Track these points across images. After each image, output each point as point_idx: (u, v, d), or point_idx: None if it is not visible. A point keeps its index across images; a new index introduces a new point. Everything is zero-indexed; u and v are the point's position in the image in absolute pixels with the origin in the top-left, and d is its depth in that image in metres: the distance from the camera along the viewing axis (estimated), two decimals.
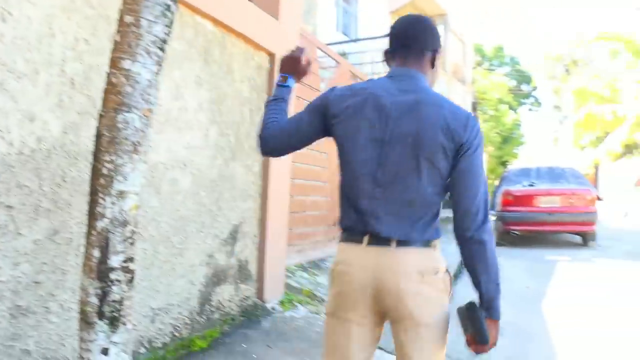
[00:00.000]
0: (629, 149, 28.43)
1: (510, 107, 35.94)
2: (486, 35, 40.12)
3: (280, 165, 4.21)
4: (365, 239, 1.68)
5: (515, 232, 10.69)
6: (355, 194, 1.73)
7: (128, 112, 1.50)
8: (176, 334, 3.15)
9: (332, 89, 1.83)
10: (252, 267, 3.96)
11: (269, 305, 4.01)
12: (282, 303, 4.14)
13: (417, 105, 1.68)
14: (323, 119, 1.80)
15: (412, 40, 1.81)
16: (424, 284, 1.66)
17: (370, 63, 11.94)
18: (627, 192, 20.35)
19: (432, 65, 1.83)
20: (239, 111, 3.71)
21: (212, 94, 3.38)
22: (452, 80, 17.36)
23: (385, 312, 1.70)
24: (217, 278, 3.53)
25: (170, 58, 2.97)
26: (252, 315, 3.82)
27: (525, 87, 44.01)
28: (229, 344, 3.31)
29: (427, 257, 1.69)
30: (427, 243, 1.70)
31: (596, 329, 4.60)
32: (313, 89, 6.20)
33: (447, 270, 1.74)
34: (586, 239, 10.39)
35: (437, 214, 1.75)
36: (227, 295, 3.65)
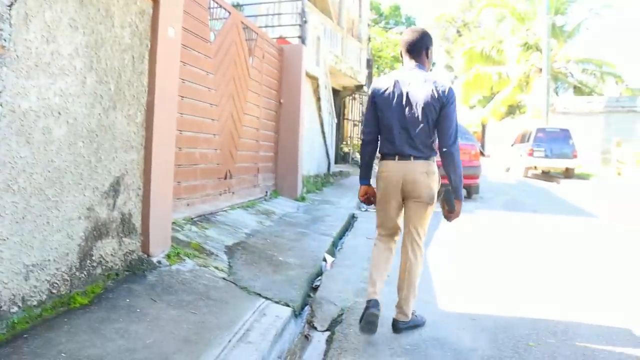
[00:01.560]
0: (512, 109, 30.19)
1: None
2: None
3: (165, 116, 4.07)
4: (396, 157, 3.27)
5: None
6: (390, 134, 3.29)
7: None
8: (54, 291, 3.01)
9: (373, 85, 3.44)
10: (137, 221, 3.84)
11: (154, 259, 3.93)
12: (168, 257, 4.07)
13: (420, 83, 3.22)
14: (374, 103, 3.37)
15: (413, 45, 3.33)
16: (427, 179, 3.24)
17: (266, 15, 11.72)
18: (509, 149, 21.67)
19: (427, 57, 3.37)
20: (119, 58, 3.52)
21: (89, 39, 3.18)
22: (347, 37, 17.43)
23: (405, 194, 3.30)
24: (98, 232, 3.39)
25: None
26: (137, 269, 3.73)
27: None
28: (112, 299, 3.22)
29: (429, 165, 3.27)
30: (428, 157, 3.26)
31: (471, 271, 4.93)
32: (203, 39, 6.02)
33: (437, 173, 3.31)
34: (470, 192, 11.01)
35: (432, 142, 3.27)
36: (109, 250, 3.53)
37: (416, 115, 3.19)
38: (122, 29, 3.52)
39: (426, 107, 3.16)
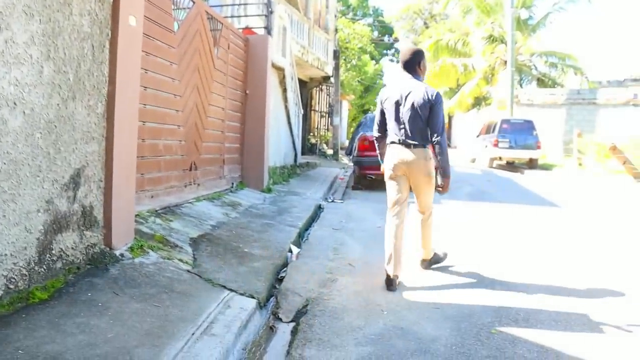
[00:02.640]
0: (478, 100, 30.53)
1: (372, 58, 36.93)
2: None
3: (127, 106, 4.00)
4: (400, 143, 4.29)
5: (372, 176, 11.12)
6: (394, 129, 4.34)
7: None
8: (11, 286, 2.93)
9: (380, 94, 4.57)
10: (98, 213, 3.77)
11: (117, 252, 3.87)
12: (132, 249, 4.01)
13: (414, 90, 4.25)
14: (382, 107, 4.47)
15: (409, 61, 4.38)
16: (425, 162, 4.24)
17: (231, 5, 11.59)
18: (475, 140, 21.96)
19: (420, 68, 4.41)
20: (78, 47, 3.43)
21: (46, 27, 3.10)
22: (314, 28, 17.37)
23: (408, 174, 4.32)
24: (58, 225, 3.32)
25: None
26: (99, 262, 3.66)
27: (387, 39, 45.39)
28: (72, 294, 3.16)
29: (425, 151, 4.26)
30: (424, 145, 4.25)
31: (436, 265, 4.97)
32: (166, 29, 5.93)
33: (432, 158, 4.29)
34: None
35: (426, 133, 4.23)
36: (70, 243, 3.46)
37: (412, 114, 4.23)
38: (81, 17, 3.44)
39: (420, 107, 4.20)
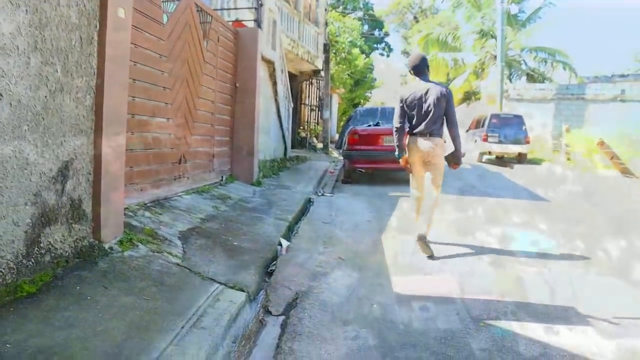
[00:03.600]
0: (468, 95, 30.55)
1: (363, 51, 36.82)
2: None
3: (116, 99, 3.96)
4: (418, 134, 5.23)
5: (361, 169, 11.11)
6: (414, 121, 5.26)
7: None
8: None
9: (401, 93, 5.42)
10: (87, 207, 3.74)
11: (106, 246, 3.84)
12: (121, 243, 3.98)
13: (430, 88, 5.18)
14: (403, 104, 5.32)
15: (418, 67, 5.35)
16: (437, 149, 5.19)
17: None
18: (465, 134, 21.99)
19: (428, 70, 5.36)
20: (66, 38, 3.40)
21: (32, 18, 3.06)
22: (304, 21, 17.31)
23: (424, 160, 5.24)
24: (46, 218, 3.29)
25: None
26: (88, 256, 3.64)
27: (377, 33, 45.37)
28: (61, 287, 3.14)
29: (439, 140, 5.20)
30: (438, 135, 5.20)
31: (426, 258, 4.98)
32: (155, 21, 5.88)
33: (444, 146, 5.25)
34: None
35: (442, 125, 5.20)
36: (58, 237, 3.43)
37: (430, 109, 5.13)
38: (68, 8, 3.40)
39: (436, 103, 5.09)
